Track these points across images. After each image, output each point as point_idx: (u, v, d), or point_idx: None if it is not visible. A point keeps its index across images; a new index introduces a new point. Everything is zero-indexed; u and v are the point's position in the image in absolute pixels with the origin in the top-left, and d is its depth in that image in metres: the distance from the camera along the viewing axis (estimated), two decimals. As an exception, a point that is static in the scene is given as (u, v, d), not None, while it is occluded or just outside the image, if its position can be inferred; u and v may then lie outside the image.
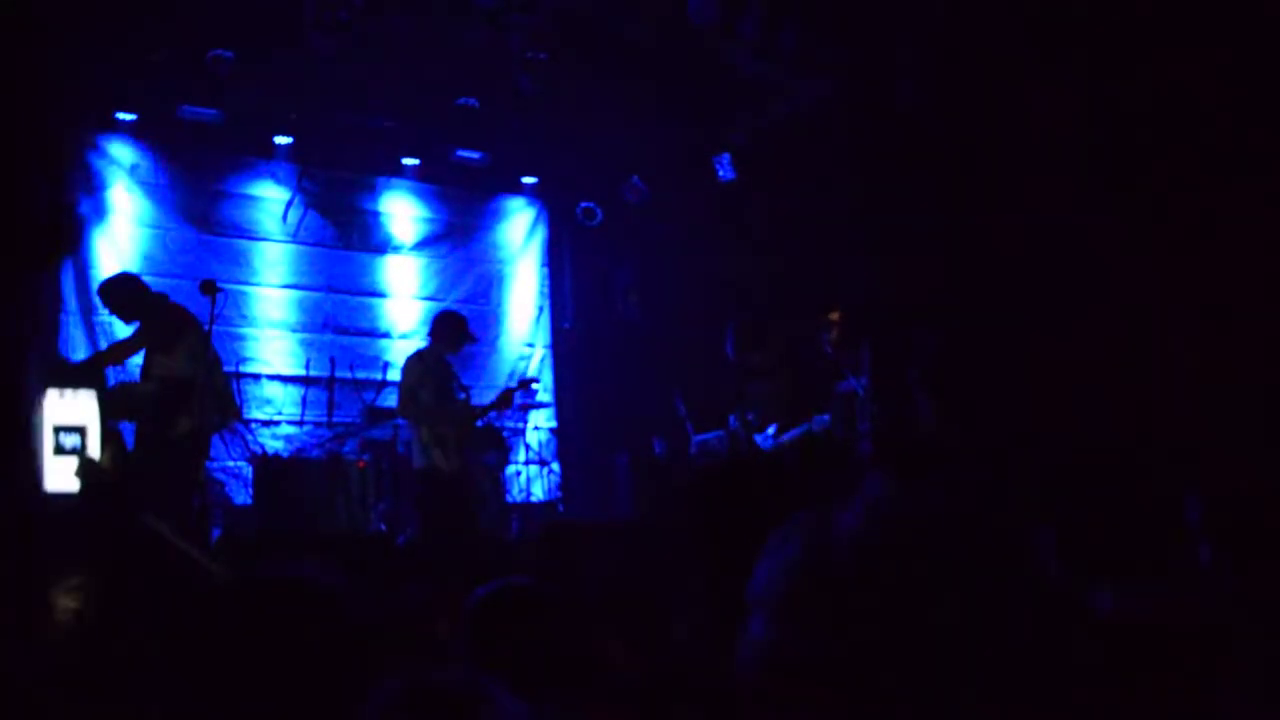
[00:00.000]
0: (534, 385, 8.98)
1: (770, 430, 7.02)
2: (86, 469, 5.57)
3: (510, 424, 9.41)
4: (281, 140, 8.97)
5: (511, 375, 9.74)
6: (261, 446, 8.27)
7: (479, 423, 7.70)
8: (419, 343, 9.44)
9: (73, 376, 6.21)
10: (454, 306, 9.59)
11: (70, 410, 5.94)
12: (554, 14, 7.37)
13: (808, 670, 0.95)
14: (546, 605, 2.54)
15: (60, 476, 5.69)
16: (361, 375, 9.02)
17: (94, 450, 5.79)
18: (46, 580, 2.85)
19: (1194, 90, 5.66)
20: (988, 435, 6.24)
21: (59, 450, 5.82)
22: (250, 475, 7.80)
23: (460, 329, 7.19)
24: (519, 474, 9.36)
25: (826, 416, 7.12)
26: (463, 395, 7.28)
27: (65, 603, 2.84)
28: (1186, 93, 5.69)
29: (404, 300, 9.61)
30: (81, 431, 5.90)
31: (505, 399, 7.71)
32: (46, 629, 2.81)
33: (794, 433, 6.98)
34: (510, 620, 2.50)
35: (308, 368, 9.00)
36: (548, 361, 10.32)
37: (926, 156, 7.22)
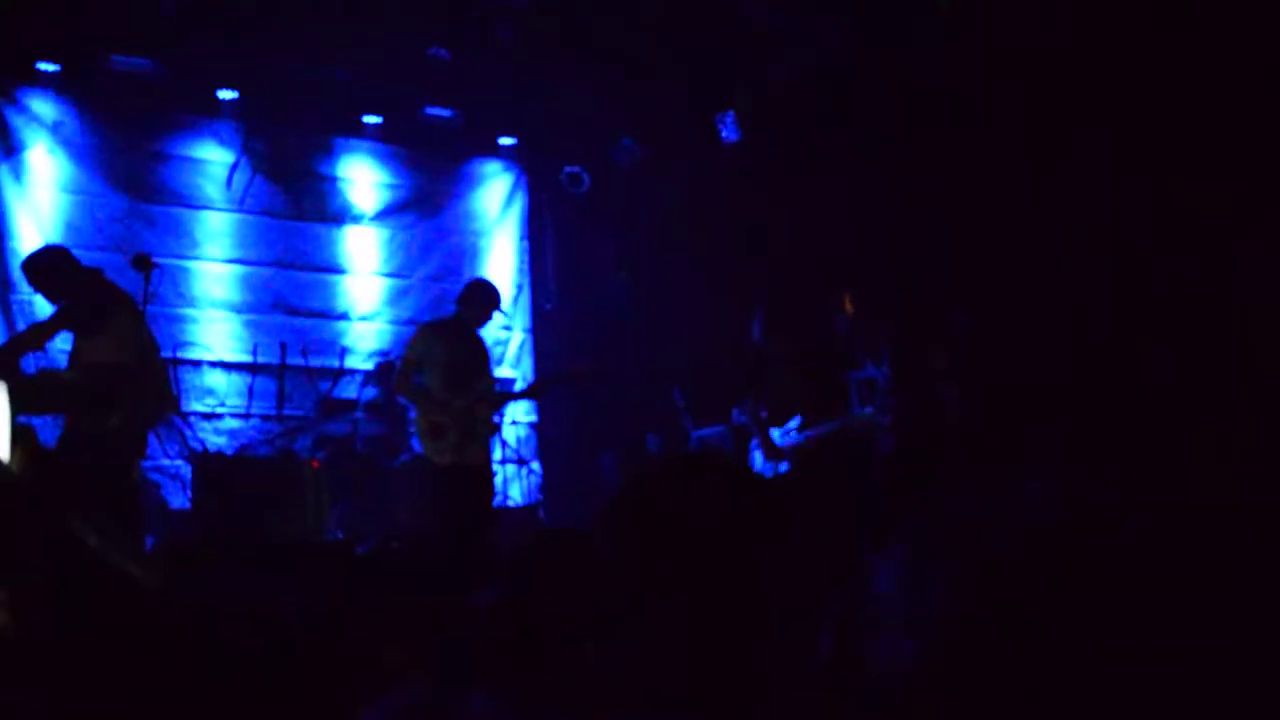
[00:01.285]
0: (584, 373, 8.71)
1: (793, 424, 6.92)
2: None
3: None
4: (226, 95, 8.89)
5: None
6: (202, 443, 8.20)
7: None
8: (379, 325, 9.45)
9: None
10: (422, 282, 9.56)
11: None
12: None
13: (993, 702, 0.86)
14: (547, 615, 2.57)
15: None
16: (316, 362, 9.00)
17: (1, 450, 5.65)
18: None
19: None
20: (1024, 427, 6.19)
21: None
22: (189, 475, 7.70)
23: (491, 299, 6.99)
24: (494, 475, 9.30)
25: (869, 409, 7.10)
26: (482, 385, 6.97)
27: None
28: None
29: (364, 277, 9.55)
30: None
31: (537, 388, 7.88)
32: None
33: (827, 427, 6.86)
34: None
35: (255, 354, 8.95)
36: (527, 347, 10.26)
37: (959, 115, 7.13)
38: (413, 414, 7.46)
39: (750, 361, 7.34)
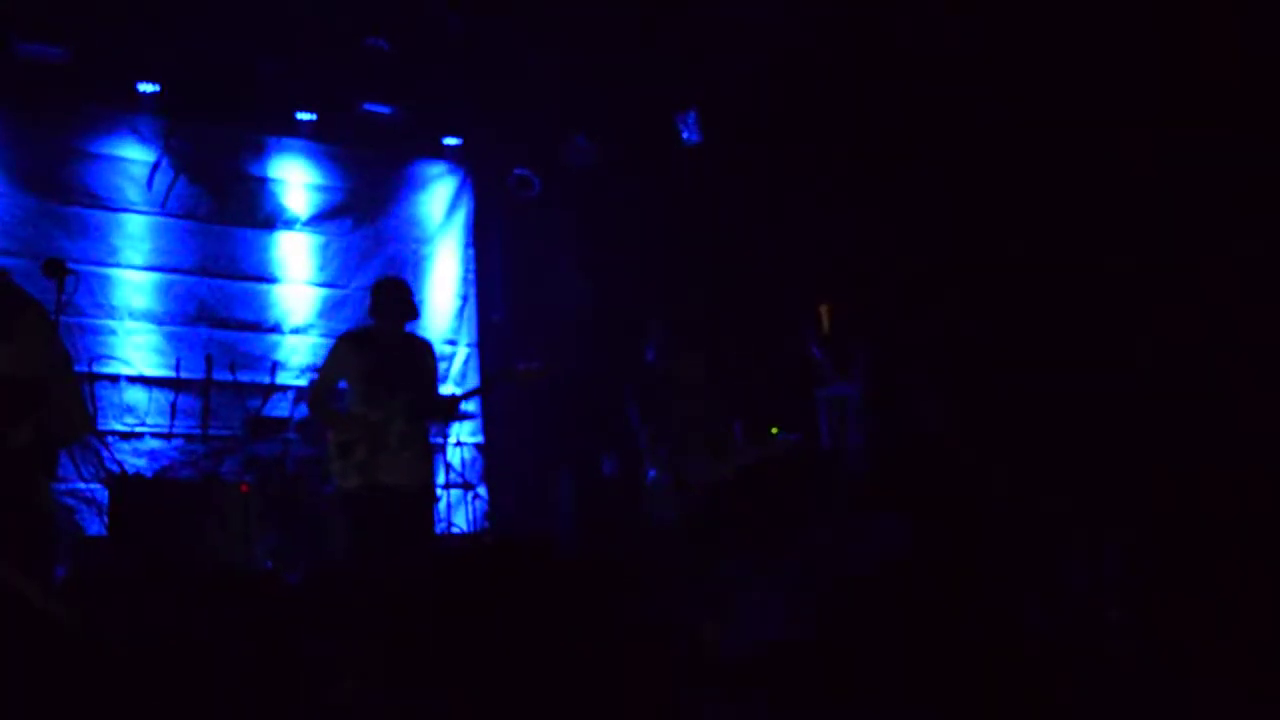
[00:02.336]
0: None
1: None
2: None
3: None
4: (146, 88, 8.85)
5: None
6: (120, 465, 8.15)
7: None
8: (313, 338, 9.43)
9: None
10: (359, 292, 9.53)
11: None
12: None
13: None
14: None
15: None
16: (245, 378, 9.00)
17: None
18: None
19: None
20: (1009, 444, 6.26)
21: None
22: (105, 499, 7.67)
23: (403, 298, 6.60)
24: (438, 500, 9.28)
25: (796, 436, 7.11)
26: (405, 397, 6.46)
27: None
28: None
29: (297, 286, 9.56)
30: None
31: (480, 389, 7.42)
32: None
33: (745, 457, 6.94)
34: None
35: (178, 369, 8.91)
36: (473, 362, 10.29)
37: (934, 113, 7.23)
38: (299, 451, 7.42)
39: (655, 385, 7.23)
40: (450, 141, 10.24)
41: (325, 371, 6.62)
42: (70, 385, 6.50)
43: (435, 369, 6.73)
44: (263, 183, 9.56)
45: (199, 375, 8.89)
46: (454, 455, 9.52)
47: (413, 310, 6.63)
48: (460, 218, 10.43)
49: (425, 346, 6.76)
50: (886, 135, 7.55)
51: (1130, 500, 5.26)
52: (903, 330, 7.34)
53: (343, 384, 6.50)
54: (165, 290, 9.02)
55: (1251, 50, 5.68)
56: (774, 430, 7.56)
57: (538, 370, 7.16)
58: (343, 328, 9.29)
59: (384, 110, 9.63)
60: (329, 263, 9.72)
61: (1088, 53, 6.39)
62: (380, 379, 6.38)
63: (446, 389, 9.52)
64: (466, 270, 10.39)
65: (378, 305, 6.56)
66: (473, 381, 10.07)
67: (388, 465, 6.27)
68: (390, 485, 6.27)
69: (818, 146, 8.01)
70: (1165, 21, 5.98)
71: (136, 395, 8.76)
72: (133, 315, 8.85)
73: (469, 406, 9.71)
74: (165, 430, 8.77)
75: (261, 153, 9.58)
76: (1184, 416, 5.52)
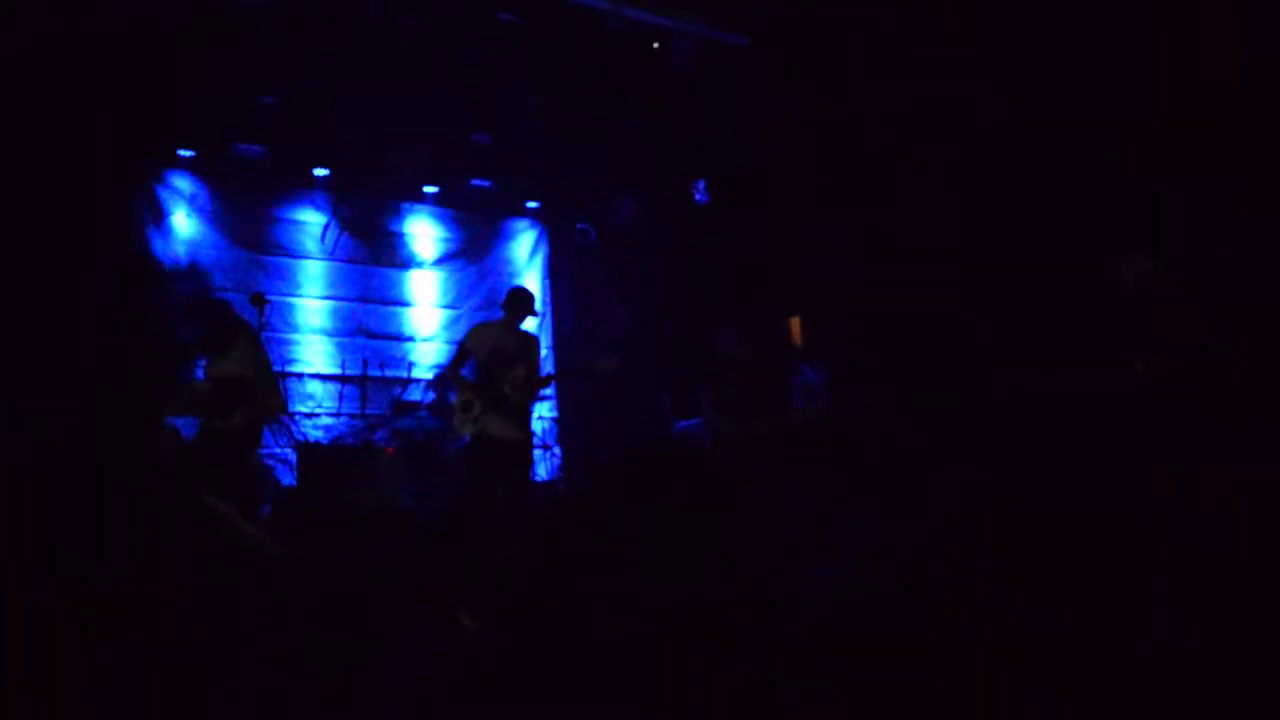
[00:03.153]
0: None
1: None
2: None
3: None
4: (319, 172, 8.95)
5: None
6: (305, 436, 8.28)
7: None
8: (438, 345, 9.46)
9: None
10: (470, 311, 9.59)
11: None
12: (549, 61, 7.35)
13: None
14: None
15: None
16: (390, 373, 9.00)
17: None
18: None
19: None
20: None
21: None
22: (295, 461, 7.78)
23: (524, 299, 6.38)
24: (523, 451, 9.29)
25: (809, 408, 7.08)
26: (516, 370, 6.18)
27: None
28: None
29: (425, 308, 9.58)
30: None
31: (560, 375, 7.15)
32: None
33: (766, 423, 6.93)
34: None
35: (343, 368, 8.97)
36: (549, 361, 10.24)
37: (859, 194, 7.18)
38: (430, 423, 7.26)
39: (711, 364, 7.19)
40: (531, 205, 10.24)
41: (462, 345, 6.36)
42: (270, 382, 6.65)
43: (538, 355, 6.48)
44: (400, 236, 9.59)
45: (358, 372, 8.94)
46: (537, 425, 9.52)
47: (530, 310, 6.40)
48: (539, 259, 10.41)
49: (533, 339, 6.55)
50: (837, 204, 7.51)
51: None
52: (850, 333, 7.30)
53: (471, 362, 6.31)
54: (334, 313, 9.09)
55: (1252, 50, 5.08)
56: None
57: (613, 365, 6.82)
58: (458, 337, 9.37)
59: (485, 184, 9.64)
60: (448, 292, 9.74)
61: (1083, 54, 5.78)
62: (499, 355, 6.23)
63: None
64: (544, 296, 10.36)
65: (509, 302, 6.38)
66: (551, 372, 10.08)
67: (498, 421, 6.11)
68: (497, 436, 6.11)
69: (795, 210, 7.96)
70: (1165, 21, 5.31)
71: (315, 387, 8.85)
72: (311, 331, 8.94)
73: (546, 391, 9.79)
74: (335, 411, 8.84)
75: (399, 215, 9.61)
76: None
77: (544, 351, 10.15)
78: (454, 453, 8.12)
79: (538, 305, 7.60)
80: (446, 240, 9.84)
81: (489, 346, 6.26)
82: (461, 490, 6.82)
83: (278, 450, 8.10)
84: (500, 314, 6.48)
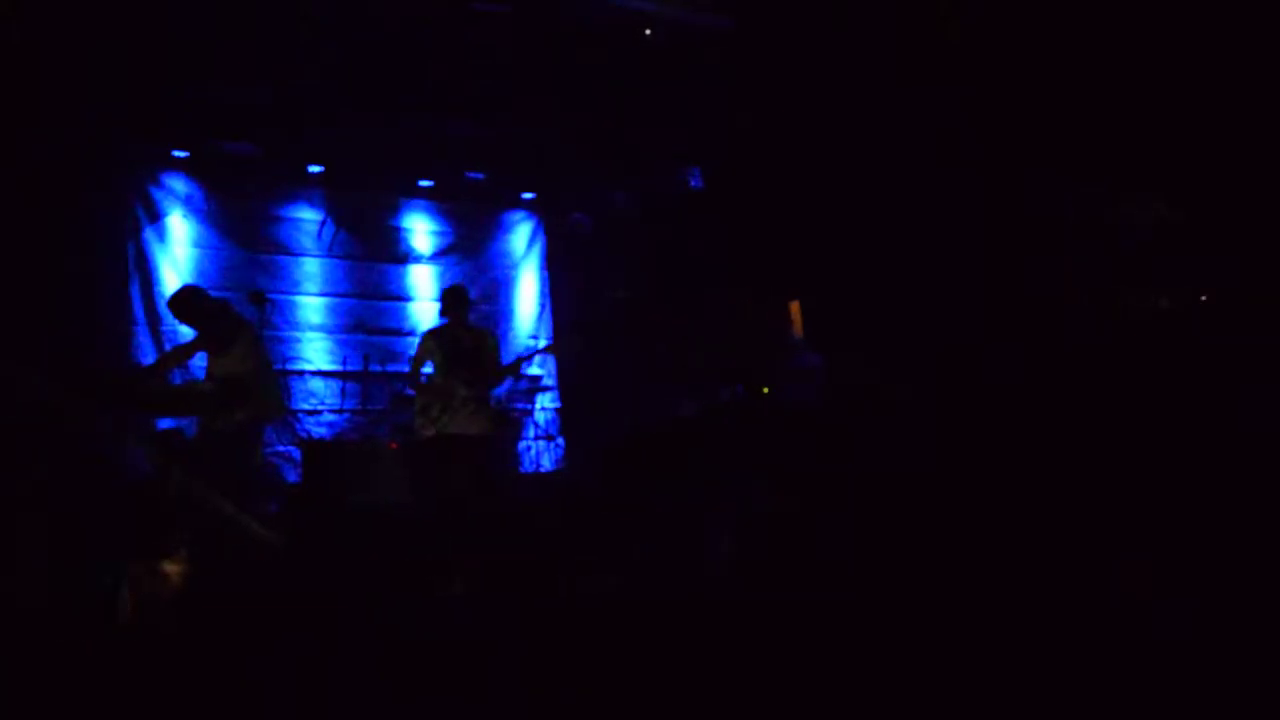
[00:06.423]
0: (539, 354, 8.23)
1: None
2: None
3: (521, 406, 9.43)
4: (314, 168, 8.92)
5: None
6: (308, 433, 8.28)
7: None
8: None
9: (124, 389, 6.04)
10: (482, 307, 9.56)
11: None
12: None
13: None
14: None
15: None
16: (390, 369, 8.98)
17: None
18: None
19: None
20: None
21: None
22: (299, 457, 7.80)
23: (460, 296, 6.42)
24: (529, 449, 9.37)
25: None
26: (466, 370, 6.21)
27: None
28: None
29: (424, 303, 9.57)
30: None
31: (513, 367, 7.29)
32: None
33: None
34: None
35: (344, 364, 8.96)
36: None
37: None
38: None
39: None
40: (527, 196, 10.22)
41: (416, 356, 6.38)
42: (271, 379, 6.65)
43: (494, 348, 6.39)
44: (397, 231, 9.58)
45: (358, 368, 8.92)
46: (540, 416, 9.57)
47: (467, 302, 6.41)
48: (536, 251, 10.40)
49: (484, 332, 6.54)
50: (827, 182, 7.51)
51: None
52: (845, 320, 7.33)
53: (429, 366, 6.33)
54: (333, 310, 9.09)
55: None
56: (765, 389, 7.56)
57: (549, 349, 7.97)
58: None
59: (480, 176, 9.62)
60: (445, 285, 9.69)
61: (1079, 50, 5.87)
62: (450, 358, 6.22)
63: (533, 370, 9.61)
64: (542, 287, 10.37)
65: (448, 305, 6.39)
66: (551, 364, 10.08)
67: (456, 419, 6.09)
68: (455, 434, 6.09)
69: (789, 199, 7.96)
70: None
71: (316, 384, 8.85)
72: (311, 328, 8.94)
73: (547, 382, 9.82)
74: (337, 407, 8.84)
75: (396, 210, 9.59)
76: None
77: (543, 342, 10.16)
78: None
79: (515, 303, 7.52)
80: (443, 234, 9.84)
81: (444, 350, 6.27)
82: (427, 485, 6.70)
83: (281, 448, 8.11)
84: (447, 320, 6.40)
